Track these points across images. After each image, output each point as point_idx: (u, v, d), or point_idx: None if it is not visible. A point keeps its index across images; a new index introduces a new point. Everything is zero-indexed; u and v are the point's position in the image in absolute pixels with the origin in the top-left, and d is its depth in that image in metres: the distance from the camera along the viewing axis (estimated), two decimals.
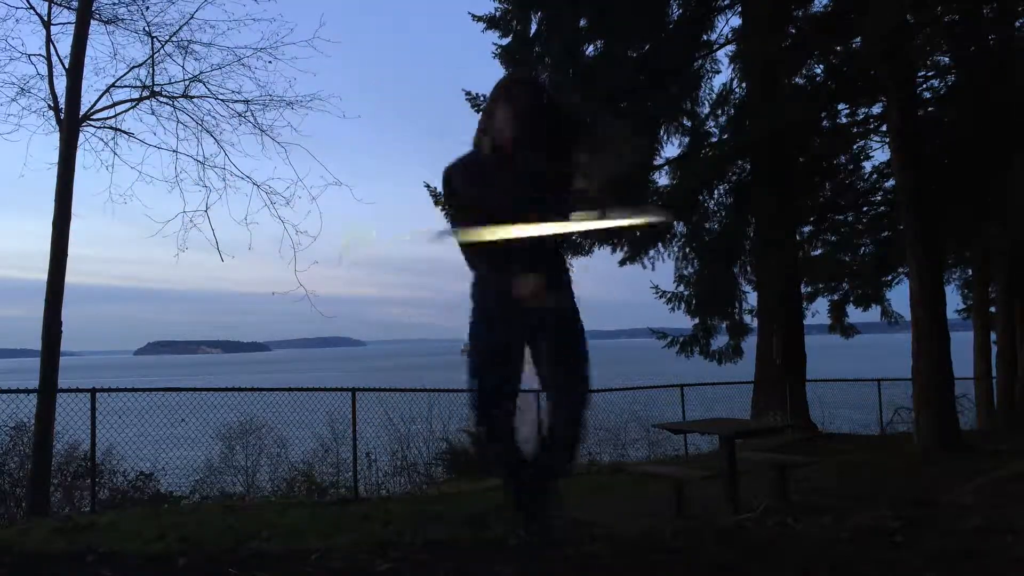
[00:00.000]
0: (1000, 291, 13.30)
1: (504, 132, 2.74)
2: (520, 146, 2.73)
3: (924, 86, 11.17)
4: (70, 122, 8.23)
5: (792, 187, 11.65)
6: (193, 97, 8.95)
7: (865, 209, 12.93)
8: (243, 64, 8.90)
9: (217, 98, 8.91)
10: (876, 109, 11.53)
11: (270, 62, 8.89)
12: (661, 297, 12.42)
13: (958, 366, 8.98)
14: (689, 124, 12.28)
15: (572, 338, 2.86)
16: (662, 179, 12.19)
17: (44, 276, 8.04)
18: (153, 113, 8.98)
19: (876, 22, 8.08)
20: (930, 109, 11.59)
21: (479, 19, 12.02)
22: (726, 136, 12.02)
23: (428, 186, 11.75)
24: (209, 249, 8.95)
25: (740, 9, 11.77)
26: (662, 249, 12.26)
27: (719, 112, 12.29)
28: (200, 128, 8.93)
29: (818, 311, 14.27)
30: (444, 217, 2.81)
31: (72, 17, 8.46)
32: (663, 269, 12.76)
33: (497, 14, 11.89)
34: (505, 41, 11.96)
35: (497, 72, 12.22)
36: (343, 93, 10.09)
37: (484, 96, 11.44)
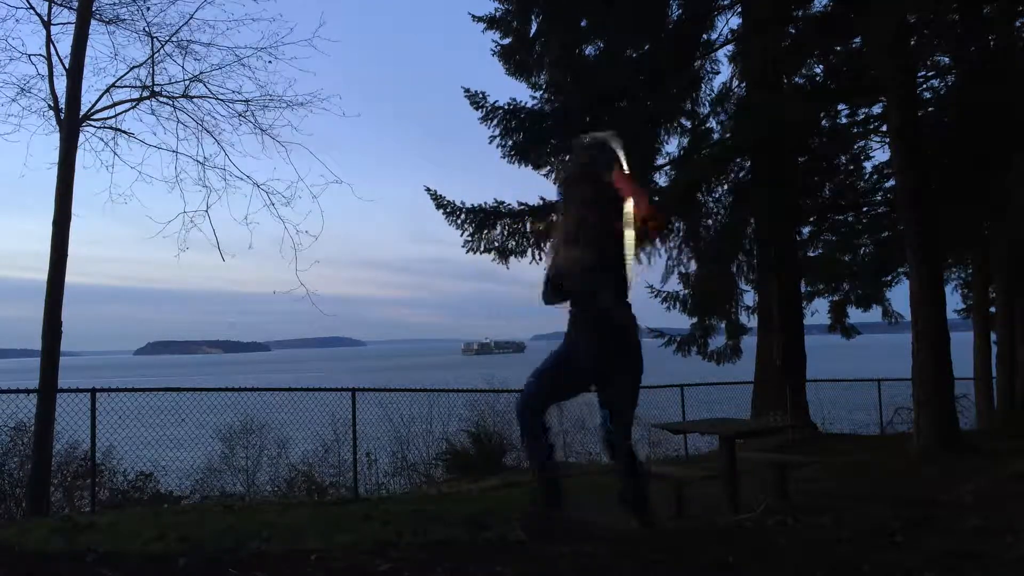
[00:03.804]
0: (1000, 291, 13.28)
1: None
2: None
3: (924, 86, 11.17)
4: (70, 122, 8.22)
5: (792, 187, 11.64)
6: (193, 97, 8.94)
7: (865, 209, 12.92)
8: (243, 64, 8.87)
9: (217, 98, 8.89)
10: (876, 109, 11.53)
11: (270, 62, 8.87)
12: (656, 297, 12.42)
13: (958, 366, 8.96)
14: (689, 124, 12.28)
15: (628, 402, 3.70)
16: (662, 179, 12.21)
17: (44, 276, 8.03)
18: (153, 113, 8.97)
19: (876, 20, 8.08)
20: (930, 109, 11.58)
21: (479, 19, 12.03)
22: (726, 135, 12.02)
23: (429, 190, 11.76)
24: (209, 249, 8.93)
25: (740, 9, 11.76)
26: (658, 246, 12.25)
27: (719, 111, 12.29)
28: (200, 128, 8.91)
29: (818, 311, 14.27)
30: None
31: (72, 17, 8.45)
32: (662, 269, 12.76)
33: (497, 14, 11.90)
34: (505, 41, 11.97)
35: (497, 72, 12.24)
36: (343, 92, 10.08)
37: (483, 93, 11.45)
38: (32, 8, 8.45)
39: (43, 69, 8.47)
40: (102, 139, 8.83)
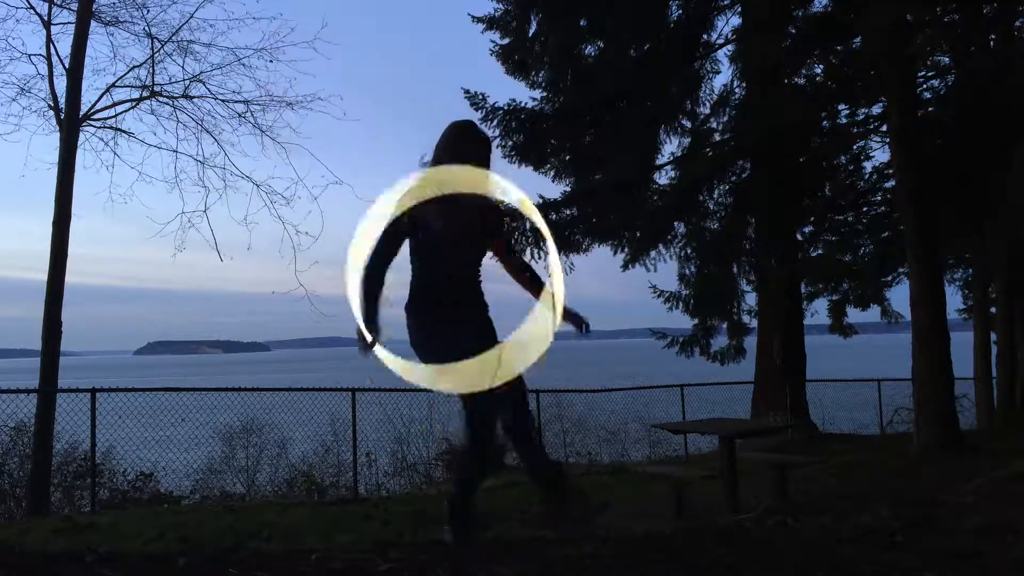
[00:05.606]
0: (1000, 291, 13.28)
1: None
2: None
3: (924, 86, 11.17)
4: (70, 122, 8.24)
5: (792, 187, 11.64)
6: (193, 97, 8.97)
7: (865, 209, 12.92)
8: (243, 64, 8.92)
9: (217, 98, 8.93)
10: (876, 109, 11.53)
11: (270, 61, 8.93)
12: (659, 297, 12.42)
13: (958, 366, 8.97)
14: (689, 124, 12.28)
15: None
16: (662, 179, 12.21)
17: (44, 276, 8.05)
18: (153, 113, 9.01)
19: (876, 20, 8.08)
20: (930, 109, 11.58)
21: (479, 20, 12.02)
22: (727, 136, 12.02)
23: None
24: (209, 249, 8.96)
25: (740, 9, 11.75)
26: (663, 250, 12.26)
27: (720, 111, 12.29)
28: (200, 128, 8.96)
29: (818, 311, 14.27)
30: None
31: (72, 17, 8.47)
32: (664, 269, 12.77)
33: (497, 14, 11.89)
34: (505, 41, 11.96)
35: (497, 71, 12.24)
36: (342, 93, 10.10)
37: (483, 95, 11.46)
38: (32, 8, 8.48)
39: (43, 69, 8.51)
40: (102, 139, 8.87)
